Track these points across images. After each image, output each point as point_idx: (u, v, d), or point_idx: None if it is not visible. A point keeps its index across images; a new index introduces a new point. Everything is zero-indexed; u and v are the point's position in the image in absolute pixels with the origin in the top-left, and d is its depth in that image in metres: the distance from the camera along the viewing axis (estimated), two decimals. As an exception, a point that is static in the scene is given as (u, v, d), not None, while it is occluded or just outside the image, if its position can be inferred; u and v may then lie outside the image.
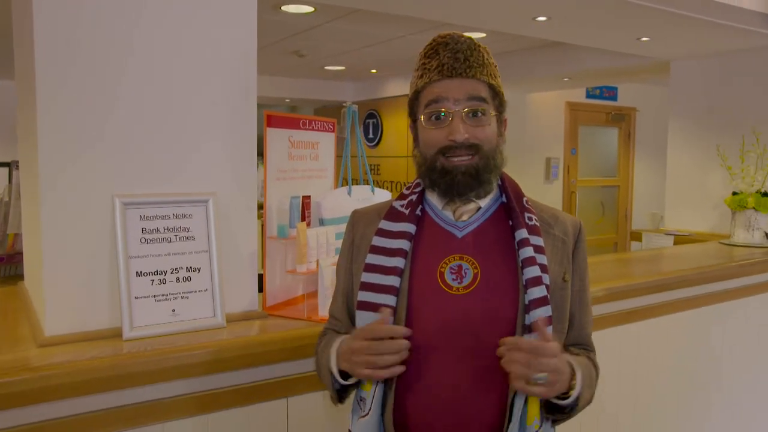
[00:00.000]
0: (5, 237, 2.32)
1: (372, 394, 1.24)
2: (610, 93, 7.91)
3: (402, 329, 1.19)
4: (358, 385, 1.29)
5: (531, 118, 7.37)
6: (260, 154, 1.87)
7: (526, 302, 1.21)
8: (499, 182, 1.35)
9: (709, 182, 4.29)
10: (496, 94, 1.30)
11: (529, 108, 7.37)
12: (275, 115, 1.88)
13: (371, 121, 8.19)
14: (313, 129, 2.04)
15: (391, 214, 1.33)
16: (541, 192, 7.22)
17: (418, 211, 1.32)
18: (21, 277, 2.33)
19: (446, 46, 1.28)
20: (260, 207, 1.89)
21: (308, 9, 4.25)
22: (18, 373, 1.37)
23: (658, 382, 2.72)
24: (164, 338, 1.62)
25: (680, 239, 4.18)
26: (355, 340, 1.20)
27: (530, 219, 1.29)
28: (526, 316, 1.21)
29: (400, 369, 1.17)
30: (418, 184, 1.35)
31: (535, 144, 7.36)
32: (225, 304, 1.74)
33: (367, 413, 1.24)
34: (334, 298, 1.43)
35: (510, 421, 1.19)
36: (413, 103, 1.33)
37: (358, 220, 1.40)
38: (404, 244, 1.28)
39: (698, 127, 4.40)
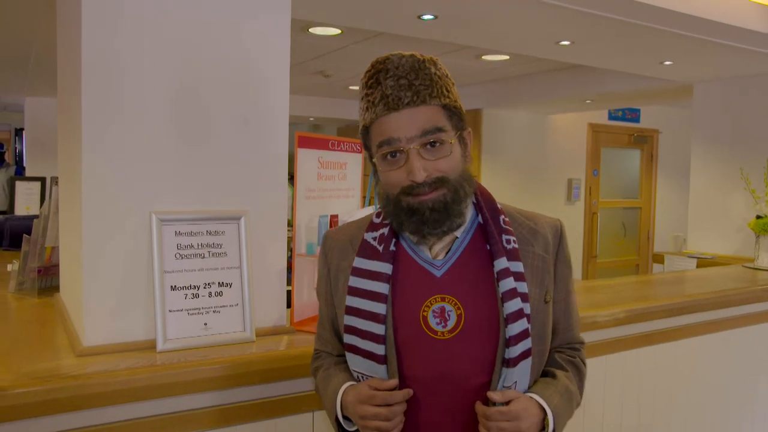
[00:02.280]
0: (43, 250, 2.40)
1: None
2: (633, 115, 7.91)
3: (405, 393, 1.20)
4: None
5: (553, 139, 7.39)
6: (289, 173, 1.93)
7: (507, 337, 1.18)
8: (474, 200, 1.27)
9: (733, 205, 4.27)
10: (453, 113, 1.20)
11: (552, 129, 7.40)
12: (306, 136, 1.94)
13: (393, 140, 8.25)
14: (341, 150, 2.10)
15: (365, 249, 1.27)
16: (562, 213, 7.22)
17: (392, 246, 1.25)
18: (56, 288, 2.41)
19: (387, 73, 1.17)
20: (289, 225, 1.95)
21: (335, 31, 4.35)
22: (58, 381, 1.43)
23: (679, 405, 2.71)
24: (196, 351, 1.67)
25: (703, 262, 4.17)
26: (362, 405, 1.20)
27: (509, 242, 1.23)
28: (507, 350, 1.18)
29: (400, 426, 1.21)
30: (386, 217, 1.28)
31: (556, 165, 7.38)
32: (255, 318, 1.80)
33: None
34: (321, 321, 1.41)
35: None
36: (365, 138, 1.24)
37: (330, 248, 1.35)
38: (383, 288, 1.22)
39: (721, 149, 4.40)
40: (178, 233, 1.72)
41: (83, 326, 1.65)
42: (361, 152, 2.21)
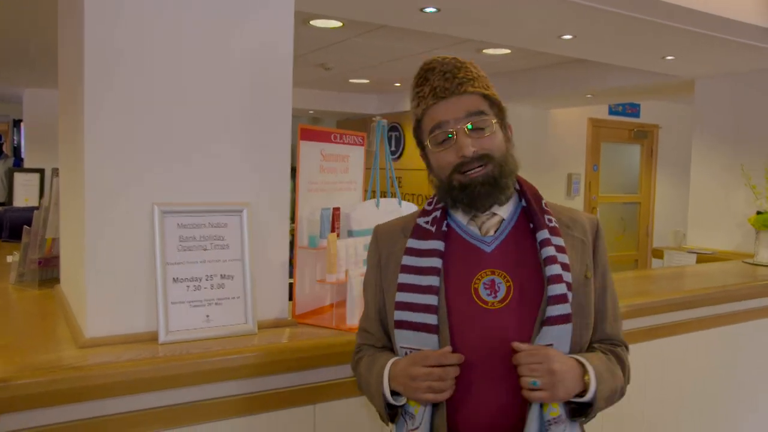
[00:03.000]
0: (44, 241, 2.39)
1: (422, 411, 1.27)
2: (633, 110, 7.90)
3: (458, 356, 1.23)
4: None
5: (553, 134, 7.38)
6: (291, 167, 1.92)
7: (547, 296, 1.26)
8: (517, 187, 1.38)
9: (733, 201, 4.28)
10: (494, 103, 1.34)
11: (552, 124, 7.39)
12: (308, 129, 1.93)
13: (394, 134, 8.25)
14: (343, 142, 2.09)
15: (418, 232, 1.36)
16: (562, 207, 7.20)
17: (444, 227, 1.35)
18: (57, 280, 2.41)
19: (434, 71, 1.33)
20: (291, 218, 1.94)
21: (336, 24, 4.33)
22: (60, 372, 1.43)
23: (681, 400, 2.72)
24: (198, 343, 1.67)
25: (703, 258, 4.17)
26: (414, 366, 1.23)
27: (550, 221, 1.33)
28: (546, 309, 1.25)
29: (452, 389, 1.24)
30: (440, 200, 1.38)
31: (556, 160, 7.37)
32: (256, 311, 1.79)
33: (417, 428, 1.28)
34: (366, 313, 1.45)
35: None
36: (417, 131, 1.37)
37: (382, 237, 1.43)
38: (436, 262, 1.30)
39: (722, 145, 4.40)
40: (180, 225, 1.71)
41: (85, 318, 1.65)
42: (363, 145, 2.21)
